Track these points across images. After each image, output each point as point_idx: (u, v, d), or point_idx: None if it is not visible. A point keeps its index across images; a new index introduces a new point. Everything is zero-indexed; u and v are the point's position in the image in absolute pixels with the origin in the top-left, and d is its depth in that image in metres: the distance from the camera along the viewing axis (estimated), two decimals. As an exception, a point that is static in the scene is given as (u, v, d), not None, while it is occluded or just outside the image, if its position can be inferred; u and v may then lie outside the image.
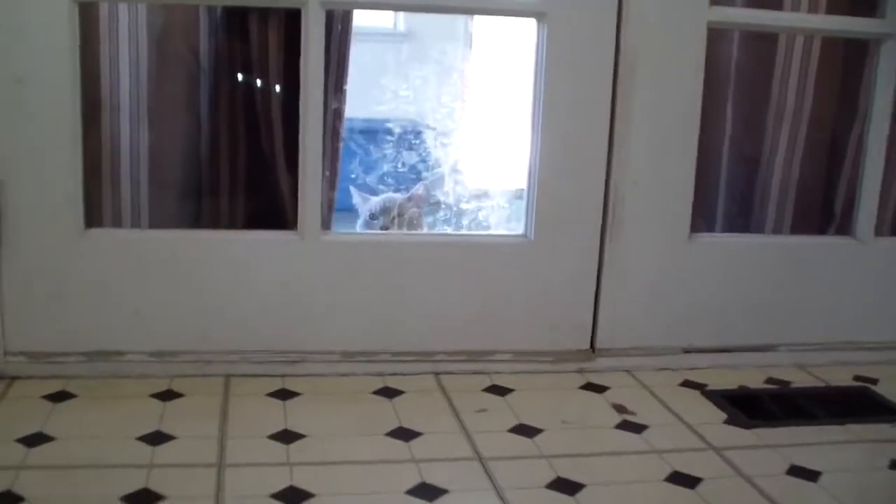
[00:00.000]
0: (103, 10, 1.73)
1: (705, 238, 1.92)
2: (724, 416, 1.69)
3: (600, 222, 1.83)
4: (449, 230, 1.81)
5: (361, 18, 1.91)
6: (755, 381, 1.88)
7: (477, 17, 2.98)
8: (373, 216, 2.07)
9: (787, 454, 1.54)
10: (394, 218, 2.06)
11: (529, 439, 1.56)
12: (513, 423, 1.62)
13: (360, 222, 2.11)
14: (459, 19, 3.22)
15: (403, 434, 1.56)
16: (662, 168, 1.84)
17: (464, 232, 1.83)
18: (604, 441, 1.58)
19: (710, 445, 1.56)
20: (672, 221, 1.87)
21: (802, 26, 1.92)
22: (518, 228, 1.85)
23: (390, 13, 3.89)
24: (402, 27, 3.94)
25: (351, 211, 2.78)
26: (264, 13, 1.76)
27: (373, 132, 2.82)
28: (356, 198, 2.12)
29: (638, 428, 1.62)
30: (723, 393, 1.80)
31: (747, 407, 1.73)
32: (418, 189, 2.14)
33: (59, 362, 1.70)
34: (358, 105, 2.41)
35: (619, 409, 1.70)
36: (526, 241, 1.82)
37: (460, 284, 1.81)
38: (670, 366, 1.91)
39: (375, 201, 2.10)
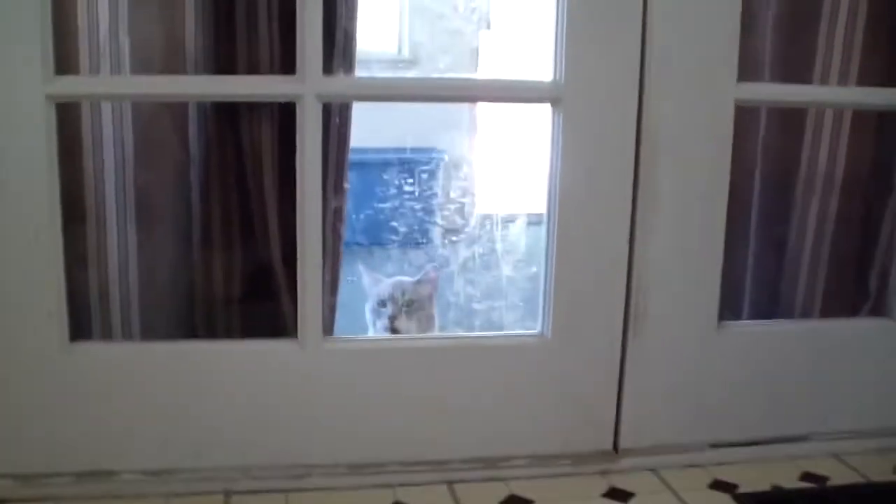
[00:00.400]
0: (85, 107, 1.60)
1: (734, 328, 1.80)
2: (759, 532, 1.58)
3: (622, 316, 1.72)
4: (460, 332, 1.69)
5: (364, 44, 1.76)
6: (789, 478, 1.77)
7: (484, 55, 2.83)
8: (382, 303, 1.95)
9: (832, 587, 1.43)
10: (403, 305, 1.94)
11: (554, 574, 1.45)
12: (535, 549, 1.51)
13: (369, 306, 1.98)
14: (466, 43, 3.08)
15: (418, 571, 1.45)
16: (688, 256, 1.72)
17: (476, 334, 1.71)
18: (634, 574, 1.47)
19: (749, 577, 1.45)
20: (699, 312, 1.75)
21: (834, 100, 1.79)
22: (534, 321, 1.73)
23: (394, 37, 3.73)
24: (406, 53, 3.77)
25: (363, 246, 2.65)
26: (257, 108, 1.63)
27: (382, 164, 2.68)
28: (366, 278, 2.00)
29: (669, 553, 1.51)
30: (755, 496, 1.68)
31: (781, 515, 1.63)
32: (429, 272, 2.02)
33: (49, 484, 1.59)
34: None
35: (648, 524, 1.60)
36: (542, 340, 1.70)
37: (473, 388, 1.69)
38: (698, 462, 1.80)
39: (385, 286, 1.98)
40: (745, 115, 1.75)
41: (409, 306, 1.96)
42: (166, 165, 1.68)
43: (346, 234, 1.68)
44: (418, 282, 2.01)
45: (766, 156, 1.89)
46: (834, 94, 1.79)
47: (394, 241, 2.41)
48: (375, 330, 1.95)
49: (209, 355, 1.61)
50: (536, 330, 1.71)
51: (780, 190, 1.93)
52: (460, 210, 2.29)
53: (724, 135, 1.68)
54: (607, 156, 1.65)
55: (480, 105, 2.70)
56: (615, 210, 1.67)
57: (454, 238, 2.27)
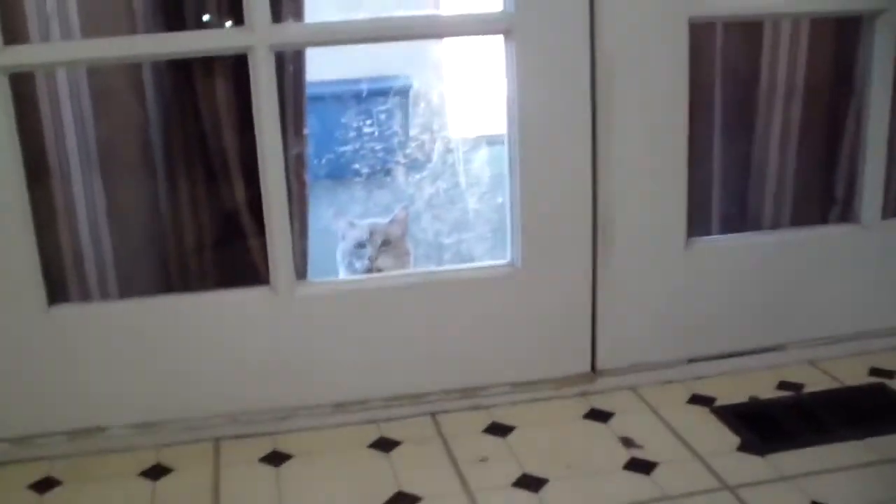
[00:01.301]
0: (39, 75, 1.61)
1: (703, 243, 1.81)
2: (736, 440, 1.61)
3: (590, 239, 1.73)
4: (431, 268, 1.71)
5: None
6: (766, 388, 1.80)
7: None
8: (360, 245, 1.97)
9: (806, 487, 1.47)
10: (381, 245, 1.96)
11: (535, 494, 1.49)
12: (516, 473, 1.54)
13: (343, 248, 2.00)
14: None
15: (403, 501, 1.49)
16: (652, 176, 1.73)
17: (448, 267, 1.73)
18: (612, 490, 1.50)
19: (725, 484, 1.49)
20: (667, 230, 1.76)
21: (791, 11, 1.78)
22: (503, 251, 1.75)
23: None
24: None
25: (342, 179, 2.65)
26: (211, 61, 1.63)
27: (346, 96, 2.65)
28: (341, 223, 2.02)
29: (647, 467, 1.55)
30: (733, 409, 1.72)
31: (760, 426, 1.65)
32: (399, 213, 2.04)
33: (42, 444, 1.63)
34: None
35: (626, 442, 1.63)
36: (513, 269, 1.72)
37: (449, 322, 1.72)
38: (676, 378, 1.83)
39: (361, 229, 2.00)
40: (702, 28, 1.74)
41: (385, 245, 1.99)
42: (127, 127, 1.69)
43: (309, 178, 1.69)
44: (391, 222, 2.03)
45: (725, 68, 1.89)
46: (791, 4, 1.77)
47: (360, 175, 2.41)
48: (351, 271, 1.97)
49: (185, 308, 1.64)
50: (506, 259, 1.74)
51: (742, 102, 1.92)
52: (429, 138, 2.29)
53: (681, 53, 1.68)
54: (563, 83, 1.65)
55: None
56: (576, 136, 1.68)
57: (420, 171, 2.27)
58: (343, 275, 1.97)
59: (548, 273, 1.72)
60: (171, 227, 1.71)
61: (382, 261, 1.97)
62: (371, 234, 1.99)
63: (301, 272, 1.72)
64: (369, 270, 1.97)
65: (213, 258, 1.73)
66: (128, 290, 1.72)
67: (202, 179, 1.69)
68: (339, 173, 2.60)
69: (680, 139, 1.73)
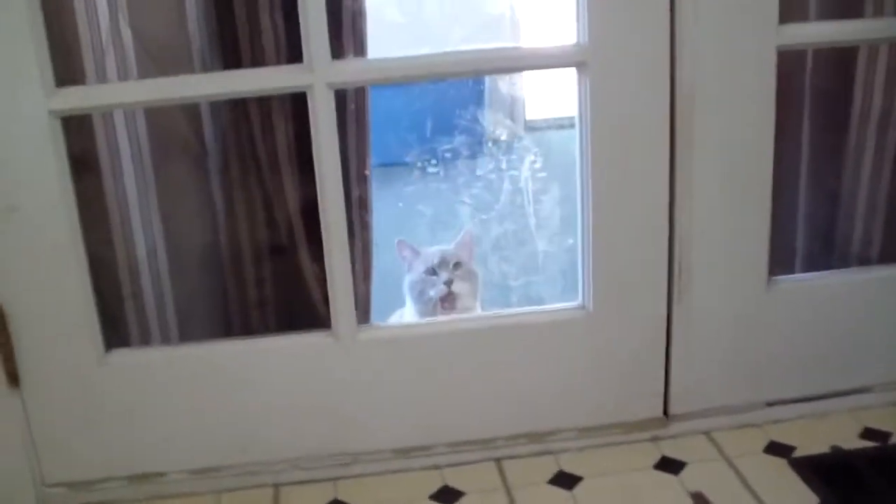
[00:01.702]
0: (97, 116, 1.56)
1: (786, 283, 1.71)
2: (815, 500, 1.53)
3: (666, 280, 1.64)
4: (499, 311, 1.64)
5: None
6: (849, 436, 1.70)
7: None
8: (432, 271, 1.90)
9: (896, 562, 1.38)
10: (453, 268, 1.89)
11: (605, 561, 1.43)
12: (585, 534, 1.48)
13: (411, 279, 1.93)
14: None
15: (468, 564, 1.44)
16: (733, 211, 1.63)
17: (515, 311, 1.65)
18: (687, 556, 1.43)
19: (806, 557, 1.41)
20: (747, 269, 1.66)
21: (887, 36, 1.64)
22: (574, 294, 1.67)
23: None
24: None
25: (401, 165, 2.55)
26: (269, 99, 1.56)
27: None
28: (405, 251, 1.95)
29: (722, 532, 1.47)
30: (813, 462, 1.62)
31: (842, 481, 1.56)
32: (464, 236, 1.96)
33: (101, 489, 1.61)
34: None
35: (698, 499, 1.55)
36: (584, 313, 1.64)
37: (517, 365, 1.65)
38: (752, 422, 1.74)
39: (431, 254, 1.93)
40: (791, 54, 1.62)
41: (457, 269, 1.92)
42: (186, 169, 1.63)
43: (372, 221, 1.62)
44: (458, 245, 1.96)
45: (814, 95, 1.76)
46: (885, 28, 1.64)
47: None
48: (423, 301, 1.90)
49: (244, 353, 1.59)
50: (577, 302, 1.65)
51: (830, 129, 1.80)
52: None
53: (767, 85, 1.56)
54: (640, 117, 1.55)
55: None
56: (652, 172, 1.58)
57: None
58: (413, 306, 1.90)
59: (620, 315, 1.64)
60: (231, 270, 1.65)
61: (458, 285, 1.90)
62: (442, 258, 1.92)
63: (364, 316, 1.66)
64: (446, 297, 1.90)
65: (274, 301, 1.67)
66: (187, 334, 1.68)
67: (262, 222, 1.63)
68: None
69: (764, 174, 1.62)
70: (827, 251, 1.86)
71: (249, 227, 1.64)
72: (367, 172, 1.60)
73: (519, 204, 2.18)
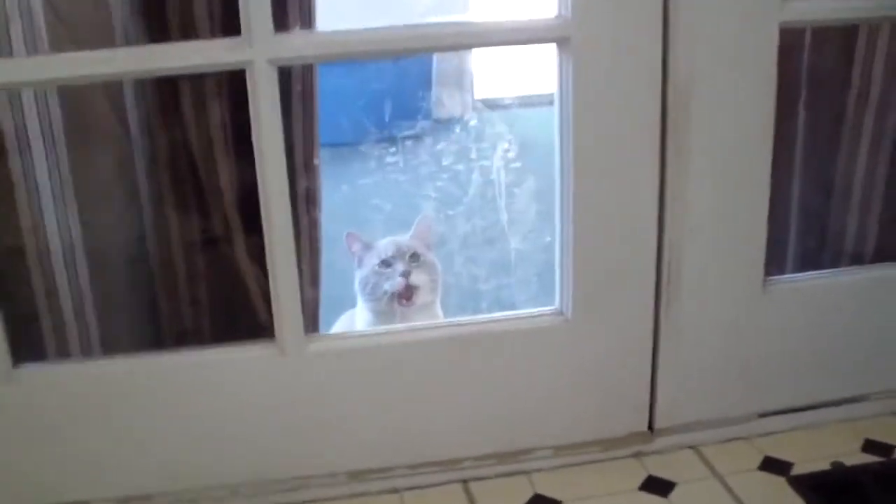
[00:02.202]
0: (1, 95, 1.33)
1: (781, 283, 1.55)
2: (820, 528, 1.38)
3: (654, 282, 1.47)
4: (465, 319, 1.45)
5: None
6: (849, 449, 1.55)
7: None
8: (386, 263, 1.70)
9: None
10: (410, 260, 1.69)
11: None
12: (564, 572, 1.32)
13: (362, 276, 1.72)
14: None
15: None
16: (728, 205, 1.46)
17: (484, 317, 1.47)
18: None
19: None
20: (741, 270, 1.50)
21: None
22: (551, 298, 1.49)
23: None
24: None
25: (350, 146, 2.36)
26: (202, 77, 1.34)
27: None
28: (355, 245, 1.74)
29: (719, 567, 1.32)
30: (814, 480, 1.48)
31: (848, 502, 1.42)
32: (420, 225, 1.76)
33: (12, 520, 1.41)
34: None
35: (692, 526, 1.40)
36: (561, 319, 1.47)
37: (485, 379, 1.47)
38: (743, 435, 1.59)
39: (385, 246, 1.73)
40: (787, 36, 1.44)
41: (415, 260, 1.73)
42: (106, 153, 1.41)
43: (321, 220, 1.41)
44: (414, 236, 1.76)
45: (810, 80, 1.59)
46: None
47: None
48: (377, 297, 1.70)
49: (177, 368, 1.39)
50: (555, 306, 1.48)
51: (825, 120, 1.64)
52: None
53: (768, 64, 1.39)
54: (628, 101, 1.37)
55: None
56: (641, 163, 1.40)
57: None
58: (365, 305, 1.70)
59: (602, 321, 1.47)
60: (161, 273, 1.44)
61: (417, 277, 1.71)
62: (397, 249, 1.72)
63: (312, 323, 1.46)
64: (404, 290, 1.70)
65: (209, 305, 1.47)
66: (110, 344, 1.47)
67: (195, 216, 1.42)
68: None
69: (762, 163, 1.45)
70: (820, 249, 1.70)
71: (180, 222, 1.43)
72: (315, 161, 1.39)
73: (490, 197, 1.97)
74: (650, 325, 1.49)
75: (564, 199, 1.41)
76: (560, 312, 1.47)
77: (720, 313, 1.51)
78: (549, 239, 1.56)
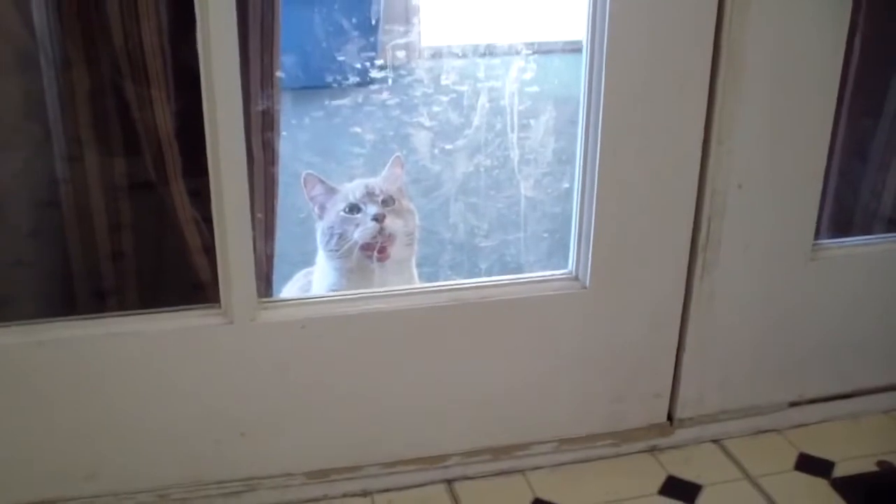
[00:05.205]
0: None
1: (832, 249, 1.30)
2: (880, 544, 1.16)
3: (687, 248, 1.21)
4: (457, 282, 1.17)
5: None
6: (894, 446, 1.34)
7: None
8: (354, 208, 1.38)
9: None
10: (382, 204, 1.38)
11: None
12: None
13: (325, 225, 1.40)
14: None
15: None
16: (781, 157, 1.20)
17: (480, 281, 1.19)
18: None
19: None
20: (790, 233, 1.25)
21: None
22: (563, 261, 1.22)
23: None
24: None
25: (319, 88, 1.98)
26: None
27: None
28: (315, 188, 1.42)
29: None
30: (862, 483, 1.25)
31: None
32: (393, 167, 1.45)
33: None
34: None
35: (728, 541, 1.16)
36: (575, 286, 1.19)
37: (478, 357, 1.19)
38: (772, 427, 1.35)
39: (354, 187, 1.41)
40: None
41: (388, 205, 1.42)
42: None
43: (280, 147, 1.10)
44: (387, 176, 1.45)
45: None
46: None
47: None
48: (343, 249, 1.39)
49: (96, 338, 1.06)
50: (568, 270, 1.20)
51: (876, 66, 1.39)
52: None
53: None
54: (675, 23, 1.09)
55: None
56: (684, 99, 1.13)
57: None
58: (328, 262, 1.39)
59: (624, 289, 1.20)
60: (75, 215, 1.11)
61: (392, 222, 1.39)
62: (367, 191, 1.41)
63: (266, 289, 1.16)
64: (374, 238, 1.38)
65: (136, 262, 1.14)
66: (12, 308, 1.14)
67: (119, 147, 1.09)
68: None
69: (825, 112, 1.19)
70: (863, 214, 1.47)
71: (100, 155, 1.10)
72: (276, 74, 1.07)
73: (499, 130, 1.64)
74: (680, 296, 1.23)
75: (589, 137, 1.13)
76: (574, 278, 1.20)
77: (761, 283, 1.26)
78: (566, 186, 1.29)
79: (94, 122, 1.09)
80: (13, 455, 1.10)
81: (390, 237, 1.39)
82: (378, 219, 1.38)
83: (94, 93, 1.10)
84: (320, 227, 1.40)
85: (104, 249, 1.19)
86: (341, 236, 1.38)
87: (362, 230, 1.37)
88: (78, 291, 1.21)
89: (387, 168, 1.46)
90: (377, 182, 1.44)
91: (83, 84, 1.11)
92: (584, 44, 1.11)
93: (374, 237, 1.38)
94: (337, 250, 1.40)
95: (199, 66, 0.98)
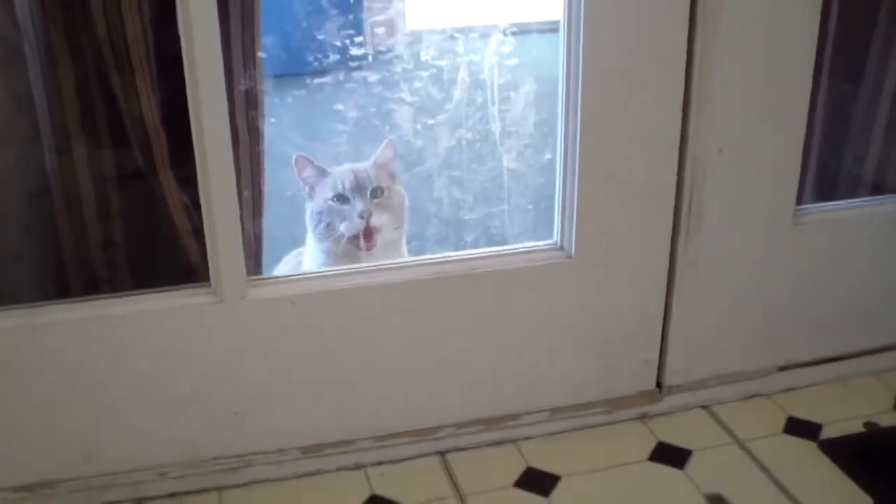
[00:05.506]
0: None
1: (814, 214, 1.32)
2: (868, 501, 1.17)
3: (671, 214, 1.23)
4: (444, 255, 1.18)
5: None
6: (882, 408, 1.35)
7: None
8: (341, 198, 1.39)
9: None
10: (371, 196, 1.39)
11: None
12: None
13: (314, 208, 1.41)
14: None
15: None
16: (762, 117, 1.21)
17: (467, 254, 1.20)
18: None
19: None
20: (772, 198, 1.26)
21: None
22: (549, 232, 1.23)
23: None
24: None
25: (298, 76, 1.98)
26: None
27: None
28: (306, 170, 1.42)
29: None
30: (849, 444, 1.27)
31: (893, 470, 1.22)
32: (385, 150, 1.46)
33: None
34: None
35: (717, 503, 1.17)
36: (561, 255, 1.21)
37: (468, 329, 1.21)
38: (761, 391, 1.37)
39: (343, 174, 1.41)
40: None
41: (376, 196, 1.42)
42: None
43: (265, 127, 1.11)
44: (378, 162, 1.46)
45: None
46: None
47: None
48: (329, 237, 1.39)
49: (87, 321, 1.08)
50: (554, 240, 1.22)
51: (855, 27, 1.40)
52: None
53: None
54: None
55: None
56: (663, 69, 1.14)
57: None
58: (317, 244, 1.40)
59: (609, 258, 1.21)
60: (64, 200, 1.12)
61: (378, 217, 1.39)
62: (356, 181, 1.41)
63: (255, 265, 1.17)
64: (361, 233, 1.39)
65: (126, 245, 1.15)
66: (4, 293, 1.15)
67: (106, 132, 1.10)
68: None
69: (804, 74, 1.21)
70: (845, 178, 1.48)
71: (88, 141, 1.11)
72: (258, 54, 1.08)
73: (480, 104, 1.64)
74: (665, 263, 1.25)
75: (570, 105, 1.14)
76: (560, 248, 1.21)
77: (745, 248, 1.28)
78: (549, 157, 1.29)
79: (82, 114, 1.10)
80: (9, 438, 1.11)
81: (376, 230, 1.40)
82: (363, 216, 1.38)
83: (79, 84, 1.11)
84: (310, 209, 1.41)
85: (95, 238, 1.20)
86: (329, 225, 1.39)
87: (348, 225, 1.37)
88: (70, 281, 1.22)
89: (379, 151, 1.46)
90: (367, 169, 1.43)
91: (68, 76, 1.12)
92: (562, 16, 1.12)
93: (361, 232, 1.39)
94: (325, 236, 1.40)
95: (182, 49, 1.00)
